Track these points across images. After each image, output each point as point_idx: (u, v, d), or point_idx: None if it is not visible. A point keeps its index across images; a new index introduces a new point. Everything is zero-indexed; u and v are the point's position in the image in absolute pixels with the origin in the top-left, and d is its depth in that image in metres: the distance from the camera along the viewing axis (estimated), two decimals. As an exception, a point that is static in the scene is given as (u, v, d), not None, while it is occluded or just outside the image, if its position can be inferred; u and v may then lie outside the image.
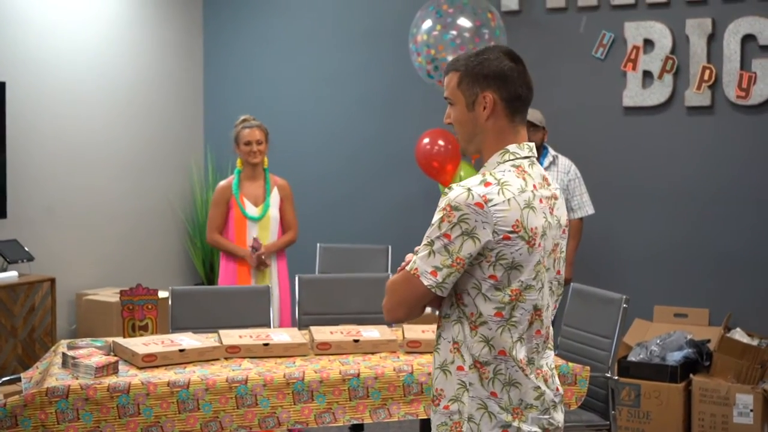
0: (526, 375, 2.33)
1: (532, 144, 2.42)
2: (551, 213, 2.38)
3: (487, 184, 2.27)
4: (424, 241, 2.31)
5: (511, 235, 2.25)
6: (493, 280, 2.28)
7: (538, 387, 2.35)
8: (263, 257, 5.35)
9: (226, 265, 5.47)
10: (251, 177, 5.49)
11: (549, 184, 2.42)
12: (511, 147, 2.38)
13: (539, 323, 2.36)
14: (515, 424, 2.33)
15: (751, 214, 6.04)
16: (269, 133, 5.52)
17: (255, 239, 5.37)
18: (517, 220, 2.26)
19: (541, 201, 2.34)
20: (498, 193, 2.26)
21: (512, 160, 2.36)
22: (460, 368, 2.34)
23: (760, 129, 5.99)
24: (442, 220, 2.26)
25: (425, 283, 2.28)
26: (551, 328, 2.46)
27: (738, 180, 6.10)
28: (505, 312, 2.30)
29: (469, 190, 2.26)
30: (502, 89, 2.37)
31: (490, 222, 2.23)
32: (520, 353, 2.33)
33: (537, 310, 2.34)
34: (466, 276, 2.30)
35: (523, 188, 2.30)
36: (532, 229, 2.28)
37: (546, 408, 2.37)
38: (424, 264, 2.29)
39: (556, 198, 2.43)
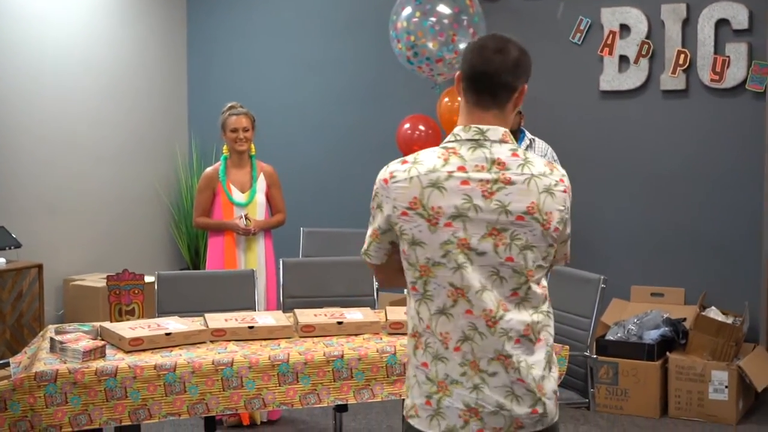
0: (448, 349, 2.35)
1: (487, 127, 2.37)
2: (487, 197, 2.32)
3: (404, 162, 2.41)
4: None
5: (408, 212, 2.34)
6: (404, 254, 2.40)
7: (464, 364, 2.34)
8: (251, 228, 5.41)
9: (213, 243, 5.52)
10: (238, 164, 5.54)
11: (504, 169, 2.35)
12: (457, 128, 2.42)
13: (467, 303, 2.32)
14: (437, 396, 2.37)
15: (724, 195, 6.15)
16: (256, 120, 5.57)
17: (244, 214, 5.43)
18: (415, 197, 2.34)
19: (465, 183, 2.33)
20: (405, 171, 2.37)
21: (449, 141, 2.41)
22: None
23: (734, 112, 6.10)
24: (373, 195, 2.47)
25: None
26: (511, 314, 2.35)
27: (712, 162, 6.20)
28: (419, 286, 2.38)
29: (386, 167, 2.44)
30: (463, 67, 2.43)
31: (391, 197, 2.37)
32: (441, 328, 2.35)
33: (457, 288, 2.32)
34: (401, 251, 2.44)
35: (436, 168, 2.34)
36: (433, 207, 2.32)
37: (474, 385, 2.33)
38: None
39: (506, 183, 2.34)
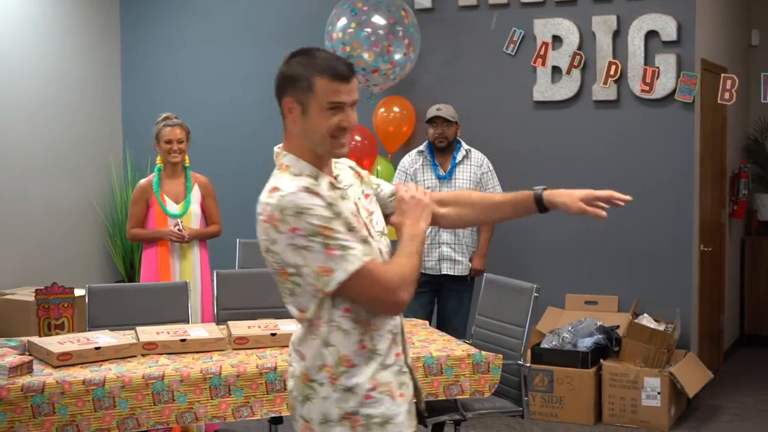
0: None
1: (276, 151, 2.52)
2: None
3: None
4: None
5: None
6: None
7: None
8: (185, 234, 5.35)
9: (147, 254, 5.46)
10: (171, 175, 5.50)
11: None
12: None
13: None
14: None
15: (655, 204, 6.23)
16: (190, 131, 5.53)
17: (179, 221, 5.38)
18: None
19: None
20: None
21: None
22: None
23: (664, 121, 6.20)
24: None
25: None
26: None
27: (643, 170, 6.29)
28: None
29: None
30: None
31: None
32: None
33: None
34: None
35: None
36: None
37: None
38: None
39: None
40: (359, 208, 2.46)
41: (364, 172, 2.62)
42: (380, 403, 2.39)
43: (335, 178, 2.47)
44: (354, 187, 2.51)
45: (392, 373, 2.43)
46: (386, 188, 2.65)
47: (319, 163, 2.42)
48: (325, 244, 2.26)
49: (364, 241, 2.36)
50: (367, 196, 2.55)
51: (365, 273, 2.28)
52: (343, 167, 2.55)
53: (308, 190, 2.30)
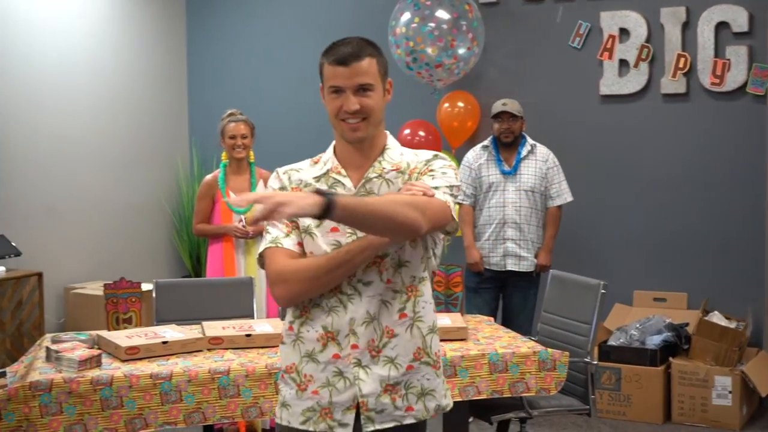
0: None
1: None
2: None
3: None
4: (443, 183, 2.43)
5: None
6: None
7: None
8: (249, 230, 5.39)
9: (213, 249, 5.53)
10: (237, 171, 5.55)
11: None
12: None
13: None
14: None
15: (726, 198, 6.13)
16: (255, 127, 5.57)
17: (244, 217, 5.43)
18: None
19: None
20: None
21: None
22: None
23: (735, 115, 6.08)
24: (455, 174, 2.48)
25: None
26: None
27: (713, 165, 6.18)
28: None
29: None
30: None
31: None
32: None
33: None
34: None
35: None
36: None
37: None
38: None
39: None
40: None
41: (421, 169, 2.50)
42: (287, 387, 2.51)
43: (378, 166, 2.49)
44: (381, 182, 2.48)
45: (319, 370, 2.44)
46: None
47: (345, 147, 2.52)
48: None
49: (306, 231, 2.45)
50: None
51: (266, 257, 2.47)
52: (413, 159, 2.51)
53: (279, 173, 2.59)
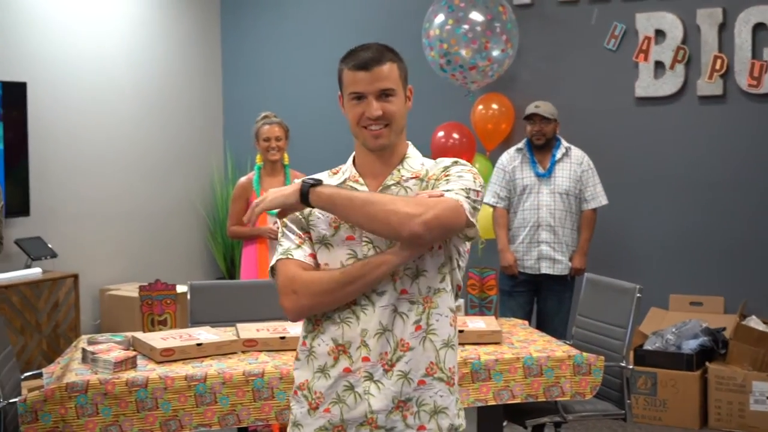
0: None
1: None
2: None
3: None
4: (457, 186, 2.32)
5: None
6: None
7: None
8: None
9: (247, 251, 5.57)
10: (271, 173, 5.58)
11: None
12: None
13: None
14: None
15: (763, 202, 6.06)
16: (289, 129, 5.59)
17: (276, 220, 5.45)
18: None
19: None
20: None
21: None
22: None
23: (773, 117, 6.02)
24: (474, 178, 2.36)
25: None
26: None
27: (750, 168, 6.12)
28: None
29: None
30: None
31: None
32: None
33: None
34: (456, 239, 2.39)
35: None
36: None
37: None
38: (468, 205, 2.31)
39: None
40: None
41: (438, 176, 2.41)
42: (298, 405, 2.42)
43: (404, 173, 2.42)
44: (399, 189, 2.39)
45: (330, 386, 2.35)
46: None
47: (365, 156, 2.46)
48: (280, 233, 2.48)
49: (321, 241, 2.39)
50: None
51: (277, 269, 2.40)
52: (432, 167, 2.44)
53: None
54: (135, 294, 6.44)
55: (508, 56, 6.35)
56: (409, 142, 2.49)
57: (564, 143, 5.75)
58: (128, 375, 3.46)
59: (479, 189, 2.36)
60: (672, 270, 6.35)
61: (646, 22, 6.30)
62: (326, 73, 7.61)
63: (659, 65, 6.29)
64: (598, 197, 5.74)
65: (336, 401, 2.34)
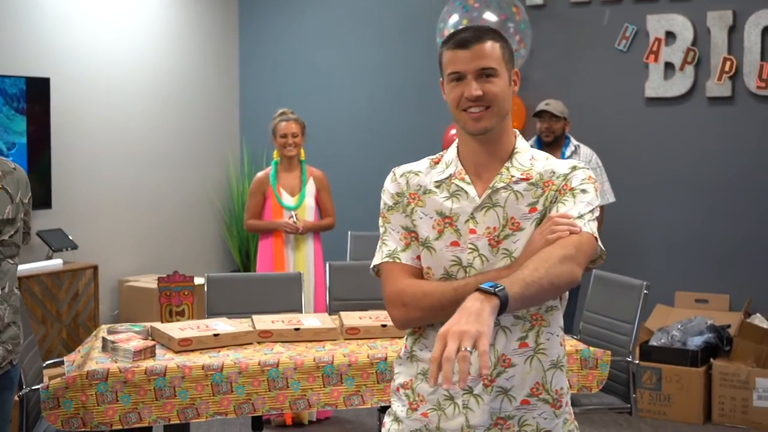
0: None
1: None
2: None
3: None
4: (585, 208, 2.20)
5: None
6: None
7: None
8: (299, 226, 5.54)
9: (263, 244, 5.68)
10: (287, 168, 5.68)
11: None
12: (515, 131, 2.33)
13: None
14: None
15: (770, 202, 6.13)
16: (306, 126, 5.70)
17: (294, 213, 5.57)
18: None
19: None
20: None
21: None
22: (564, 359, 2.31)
23: (781, 119, 6.09)
24: (595, 189, 2.25)
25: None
26: None
27: (757, 168, 6.18)
28: None
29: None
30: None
31: None
32: None
33: None
34: None
35: None
36: None
37: None
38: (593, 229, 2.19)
39: None
40: (456, 212, 2.26)
41: (558, 186, 2.25)
42: (399, 402, 2.34)
43: (514, 169, 2.25)
44: (509, 194, 2.24)
45: (431, 391, 2.26)
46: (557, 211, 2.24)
47: (468, 146, 2.29)
48: (382, 228, 2.35)
49: (424, 244, 2.27)
50: (533, 209, 2.23)
51: (383, 272, 2.31)
52: (545, 169, 2.27)
53: (397, 175, 2.38)
54: (152, 285, 6.55)
55: (521, 56, 6.44)
56: (517, 132, 2.33)
57: (573, 141, 5.84)
58: (147, 364, 3.56)
59: (599, 202, 2.26)
60: (678, 267, 6.42)
61: (656, 24, 6.37)
62: (342, 70, 7.77)
63: (669, 66, 6.36)
64: (605, 195, 5.83)
65: (435, 408, 2.25)
